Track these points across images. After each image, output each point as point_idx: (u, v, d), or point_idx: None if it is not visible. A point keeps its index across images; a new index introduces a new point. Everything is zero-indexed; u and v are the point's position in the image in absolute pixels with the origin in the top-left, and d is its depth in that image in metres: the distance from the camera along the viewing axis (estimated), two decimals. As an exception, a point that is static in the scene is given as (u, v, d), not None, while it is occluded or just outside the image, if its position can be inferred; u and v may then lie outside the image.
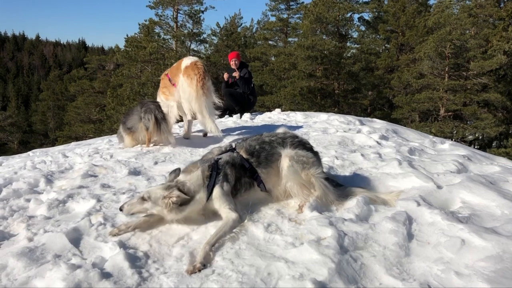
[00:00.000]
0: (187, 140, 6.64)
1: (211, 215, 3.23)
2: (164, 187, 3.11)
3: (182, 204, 3.05)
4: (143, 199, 3.06)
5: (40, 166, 5.64)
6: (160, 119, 5.96)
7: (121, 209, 3.12)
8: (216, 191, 3.17)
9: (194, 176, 3.21)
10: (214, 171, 3.24)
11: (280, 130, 3.90)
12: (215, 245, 2.80)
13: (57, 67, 69.21)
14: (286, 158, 3.37)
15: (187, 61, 6.34)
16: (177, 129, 7.32)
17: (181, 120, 7.21)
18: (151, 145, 6.14)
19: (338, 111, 24.54)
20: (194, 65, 6.19)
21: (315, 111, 18.06)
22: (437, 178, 3.88)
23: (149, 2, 29.36)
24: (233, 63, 10.14)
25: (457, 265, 2.50)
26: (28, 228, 3.27)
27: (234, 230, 2.96)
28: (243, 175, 3.35)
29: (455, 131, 23.57)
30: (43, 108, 48.39)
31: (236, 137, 6.65)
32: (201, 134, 7.12)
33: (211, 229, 3.03)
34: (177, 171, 3.30)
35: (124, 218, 3.34)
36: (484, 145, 27.38)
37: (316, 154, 3.67)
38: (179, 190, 3.05)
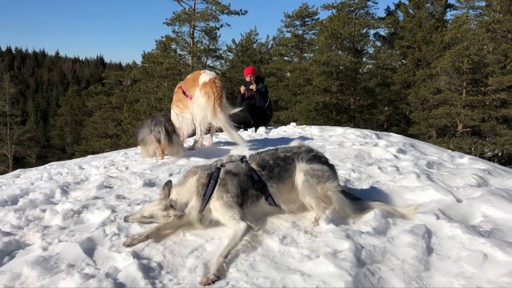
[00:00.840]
0: (203, 151, 6.68)
1: (215, 224, 3.22)
2: (161, 207, 3.19)
3: (179, 218, 3.18)
4: (144, 216, 3.20)
5: (56, 177, 5.68)
6: (171, 132, 6.03)
7: (126, 220, 3.24)
8: (216, 202, 3.14)
9: (185, 188, 3.24)
10: (213, 180, 3.21)
11: (295, 143, 3.86)
12: (227, 257, 2.76)
13: (76, 83, 70.61)
14: (301, 172, 3.29)
15: (205, 77, 6.41)
16: (191, 142, 7.33)
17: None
18: (166, 157, 6.16)
19: (353, 126, 24.38)
20: (213, 82, 6.30)
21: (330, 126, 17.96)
22: (457, 192, 3.78)
23: (166, 19, 29.80)
24: (248, 78, 10.19)
25: (479, 280, 2.41)
26: (43, 238, 3.27)
27: (246, 240, 2.90)
28: (250, 187, 3.28)
29: (473, 147, 23.24)
30: (61, 123, 49.23)
31: (251, 149, 6.63)
32: (215, 146, 7.16)
33: (224, 240, 2.98)
34: (169, 184, 3.31)
35: (138, 228, 3.32)
36: (504, 161, 26.86)
37: (331, 167, 3.60)
38: (174, 209, 3.16)
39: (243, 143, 6.32)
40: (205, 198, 3.15)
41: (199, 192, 3.17)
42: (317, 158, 3.55)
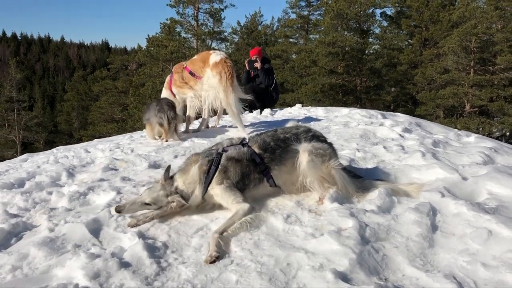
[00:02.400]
0: (209, 132, 6.70)
1: (217, 207, 3.23)
2: (164, 192, 3.16)
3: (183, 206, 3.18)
4: (146, 204, 3.13)
5: (63, 160, 5.72)
6: (171, 119, 6.21)
7: (119, 211, 3.13)
8: (217, 188, 3.14)
9: (189, 176, 3.22)
10: (214, 166, 3.20)
11: (290, 124, 3.79)
12: (223, 233, 2.79)
13: (81, 68, 70.35)
14: (305, 152, 3.25)
15: (216, 57, 6.40)
16: (197, 124, 7.33)
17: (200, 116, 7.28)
18: (170, 139, 6.21)
19: (360, 107, 24.27)
20: (224, 62, 6.29)
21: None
22: (462, 170, 3.75)
23: (170, 1, 29.58)
24: (255, 59, 10.11)
25: (484, 257, 2.41)
26: (49, 219, 3.31)
27: (248, 219, 2.91)
28: (253, 171, 3.26)
29: (481, 127, 23.05)
30: (68, 109, 49.37)
31: (255, 131, 6.62)
32: (225, 128, 7.19)
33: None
34: (169, 169, 3.31)
35: (143, 209, 3.34)
36: (512, 141, 26.69)
37: (331, 145, 3.58)
38: (180, 196, 3.15)
39: (242, 129, 6.35)
40: (206, 184, 3.16)
41: (201, 180, 3.18)
42: (316, 137, 3.53)
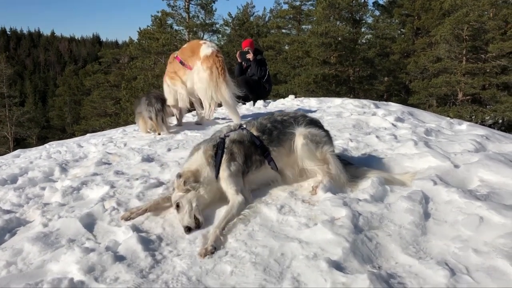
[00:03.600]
0: (200, 125, 6.68)
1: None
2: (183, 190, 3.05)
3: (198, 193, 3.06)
4: (178, 206, 2.99)
5: (55, 156, 5.69)
6: (157, 111, 6.25)
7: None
8: (223, 172, 3.14)
9: (193, 161, 3.21)
10: (220, 150, 3.21)
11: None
12: (225, 229, 2.78)
13: (72, 63, 70.09)
14: (301, 136, 3.31)
15: (207, 49, 6.31)
16: (190, 118, 7.33)
17: (194, 108, 7.25)
18: (163, 133, 6.20)
19: (353, 97, 24.29)
20: (215, 56, 6.22)
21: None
22: (454, 158, 3.77)
23: (161, -8, 29.32)
24: (247, 51, 10.07)
25: (476, 243, 2.44)
26: (43, 215, 3.30)
27: (244, 213, 2.94)
28: (254, 153, 3.30)
29: (473, 115, 23.17)
30: (60, 103, 49.07)
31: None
32: (220, 121, 7.15)
33: (223, 211, 3.00)
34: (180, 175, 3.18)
35: (137, 203, 3.35)
36: (504, 129, 26.83)
37: (327, 133, 3.62)
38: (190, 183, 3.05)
39: (238, 121, 6.31)
40: (216, 167, 3.16)
41: (210, 163, 3.18)
42: (314, 123, 3.57)
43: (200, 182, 3.09)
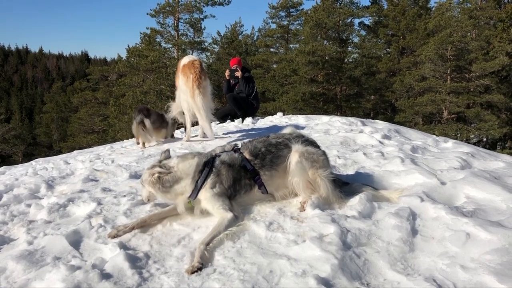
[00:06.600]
0: (188, 142, 6.65)
1: (205, 213, 3.21)
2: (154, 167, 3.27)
3: (165, 183, 3.21)
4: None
5: (42, 172, 5.63)
6: (137, 123, 6.64)
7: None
8: (206, 193, 3.14)
9: (186, 164, 3.24)
10: (207, 168, 3.21)
11: (286, 131, 3.79)
12: (209, 244, 2.76)
13: (60, 79, 69.71)
14: (296, 153, 3.29)
15: (185, 60, 6.41)
16: (179, 135, 7.32)
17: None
18: (147, 145, 6.67)
19: (340, 115, 24.51)
20: (191, 64, 6.21)
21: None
22: (441, 175, 3.83)
23: (150, 10, 29.55)
24: (235, 69, 10.14)
25: (463, 259, 2.45)
26: (28, 232, 3.24)
27: (232, 230, 2.92)
28: (244, 177, 3.28)
29: (459, 134, 23.50)
30: (47, 120, 48.63)
31: (238, 139, 6.62)
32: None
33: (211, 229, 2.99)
34: (166, 153, 3.44)
35: (124, 220, 3.32)
36: (489, 147, 27.23)
37: (324, 153, 3.58)
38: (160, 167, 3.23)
39: (211, 136, 6.46)
40: (198, 186, 3.15)
41: (194, 177, 3.18)
42: (311, 143, 3.55)
43: (172, 188, 3.21)
